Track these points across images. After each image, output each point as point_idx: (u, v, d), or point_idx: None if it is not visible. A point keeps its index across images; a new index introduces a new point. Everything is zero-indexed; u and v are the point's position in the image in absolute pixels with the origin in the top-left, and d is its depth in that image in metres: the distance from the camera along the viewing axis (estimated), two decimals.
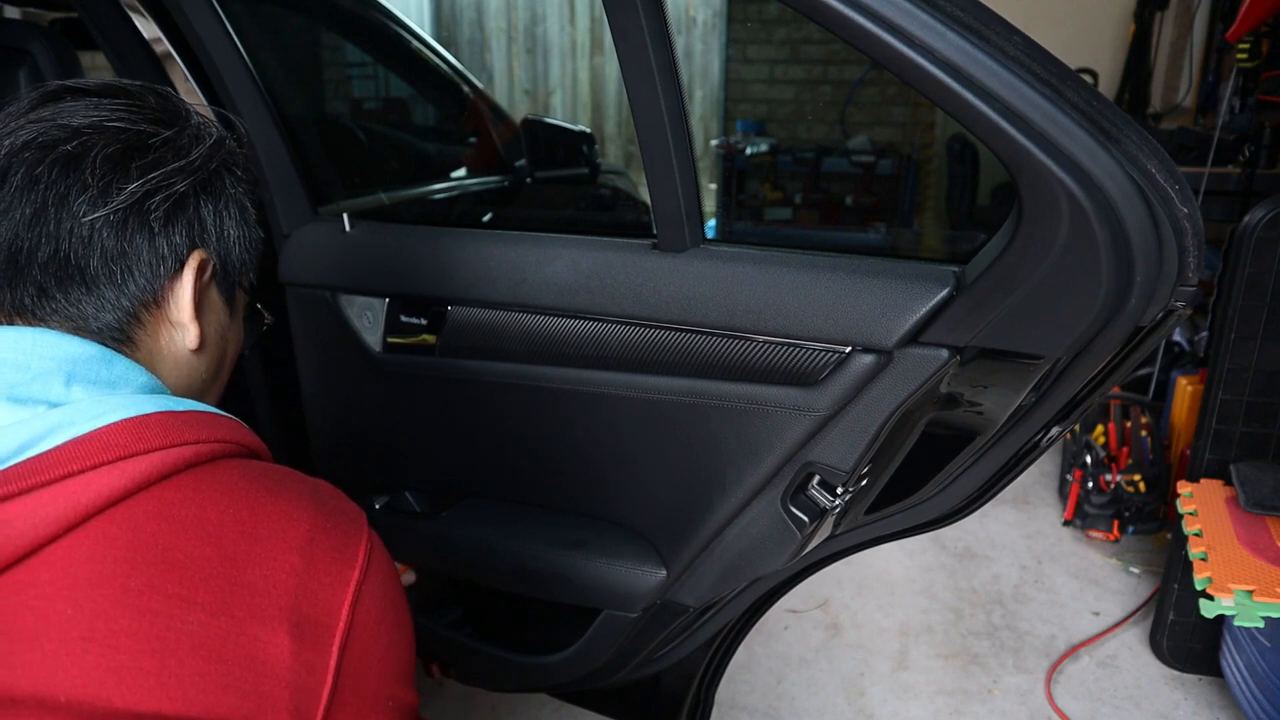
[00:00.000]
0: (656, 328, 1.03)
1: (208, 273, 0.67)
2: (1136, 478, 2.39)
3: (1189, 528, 1.67)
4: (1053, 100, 0.72)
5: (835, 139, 5.02)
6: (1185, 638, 1.92)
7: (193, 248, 0.65)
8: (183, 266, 0.65)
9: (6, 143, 0.60)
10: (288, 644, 0.52)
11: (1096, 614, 2.15)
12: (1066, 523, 2.51)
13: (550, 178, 2.43)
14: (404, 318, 1.21)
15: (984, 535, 2.48)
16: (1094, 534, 2.44)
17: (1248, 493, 1.70)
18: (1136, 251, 0.75)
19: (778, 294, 0.94)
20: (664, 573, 1.14)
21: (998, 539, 2.47)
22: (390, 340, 1.22)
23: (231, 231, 0.69)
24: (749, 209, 4.99)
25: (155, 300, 0.64)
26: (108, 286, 0.61)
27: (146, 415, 0.56)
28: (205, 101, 1.28)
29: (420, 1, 6.12)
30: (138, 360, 0.63)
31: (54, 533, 0.49)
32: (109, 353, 0.60)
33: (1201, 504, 1.73)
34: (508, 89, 6.32)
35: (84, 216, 0.60)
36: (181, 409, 0.59)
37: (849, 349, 0.93)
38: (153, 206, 0.62)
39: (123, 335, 0.63)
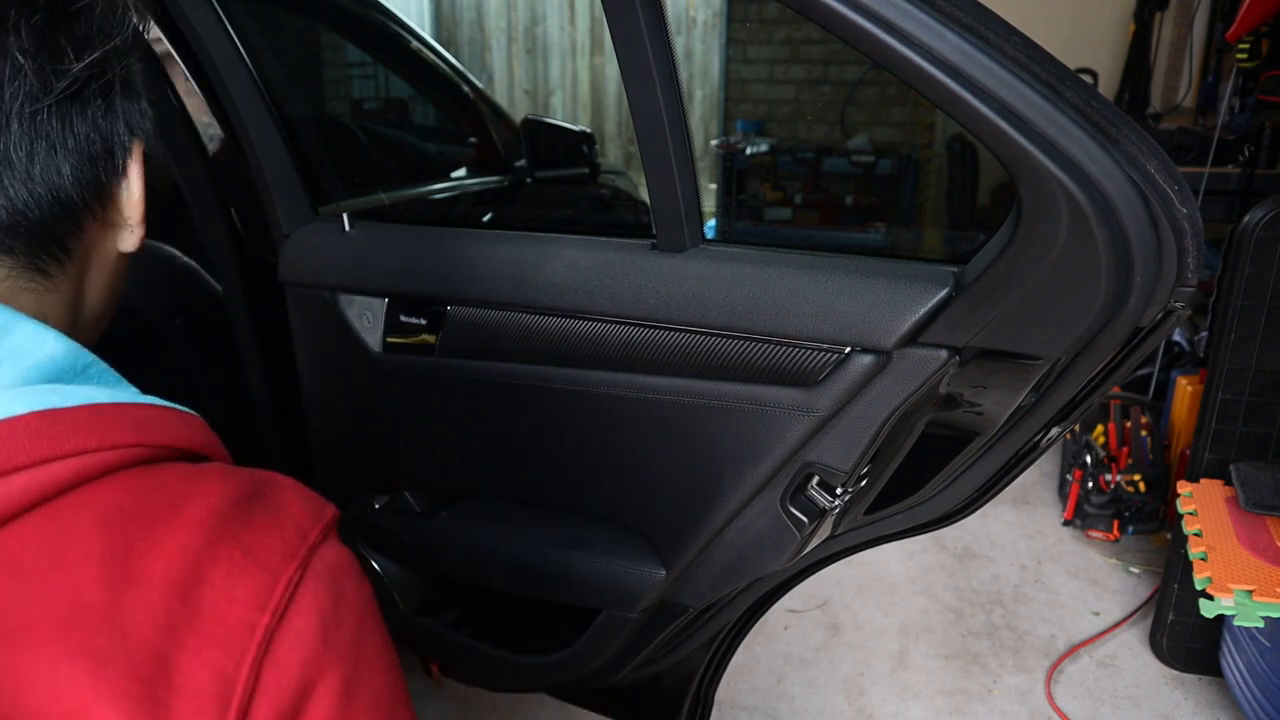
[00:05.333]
0: (656, 328, 1.03)
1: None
2: (1136, 478, 2.39)
3: (1189, 528, 1.67)
4: (1052, 100, 0.72)
5: (835, 139, 5.02)
6: (1185, 638, 1.92)
7: (133, 137, 0.55)
8: (129, 158, 0.55)
9: None
10: None
11: (1096, 614, 2.15)
12: (1066, 523, 2.51)
13: (550, 178, 2.43)
14: (404, 318, 1.21)
15: (984, 535, 2.48)
16: (1094, 534, 2.44)
17: (1248, 493, 1.70)
18: (1136, 252, 0.75)
19: (777, 294, 0.95)
20: (663, 573, 1.14)
21: (998, 539, 2.47)
22: (390, 340, 1.22)
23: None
24: (749, 209, 5.00)
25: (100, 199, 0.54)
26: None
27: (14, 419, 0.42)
28: (205, 102, 1.28)
29: (420, 1, 6.13)
30: (55, 288, 0.52)
31: None
32: (10, 314, 0.47)
33: (1201, 504, 1.73)
34: (508, 89, 6.32)
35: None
36: (71, 403, 0.45)
37: (848, 349, 0.93)
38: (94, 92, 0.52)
39: (58, 246, 0.52)
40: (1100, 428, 2.59)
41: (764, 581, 1.18)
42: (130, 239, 0.57)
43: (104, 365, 0.51)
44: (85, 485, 0.44)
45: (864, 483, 1.04)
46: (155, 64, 1.27)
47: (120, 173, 0.55)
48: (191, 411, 0.52)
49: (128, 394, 0.50)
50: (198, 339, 1.46)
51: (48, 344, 0.47)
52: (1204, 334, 2.64)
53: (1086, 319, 0.81)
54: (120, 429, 0.46)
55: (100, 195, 0.53)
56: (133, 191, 0.56)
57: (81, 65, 0.49)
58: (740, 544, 1.09)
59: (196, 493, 0.46)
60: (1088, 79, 3.38)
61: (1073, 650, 2.01)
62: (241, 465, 0.52)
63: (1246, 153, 2.88)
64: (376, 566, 1.35)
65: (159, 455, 0.48)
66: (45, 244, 0.51)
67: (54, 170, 0.50)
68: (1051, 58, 0.73)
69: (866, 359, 0.92)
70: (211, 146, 1.34)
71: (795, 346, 0.96)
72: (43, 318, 0.49)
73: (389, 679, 0.49)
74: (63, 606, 0.40)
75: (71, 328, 0.54)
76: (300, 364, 1.33)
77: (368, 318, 1.23)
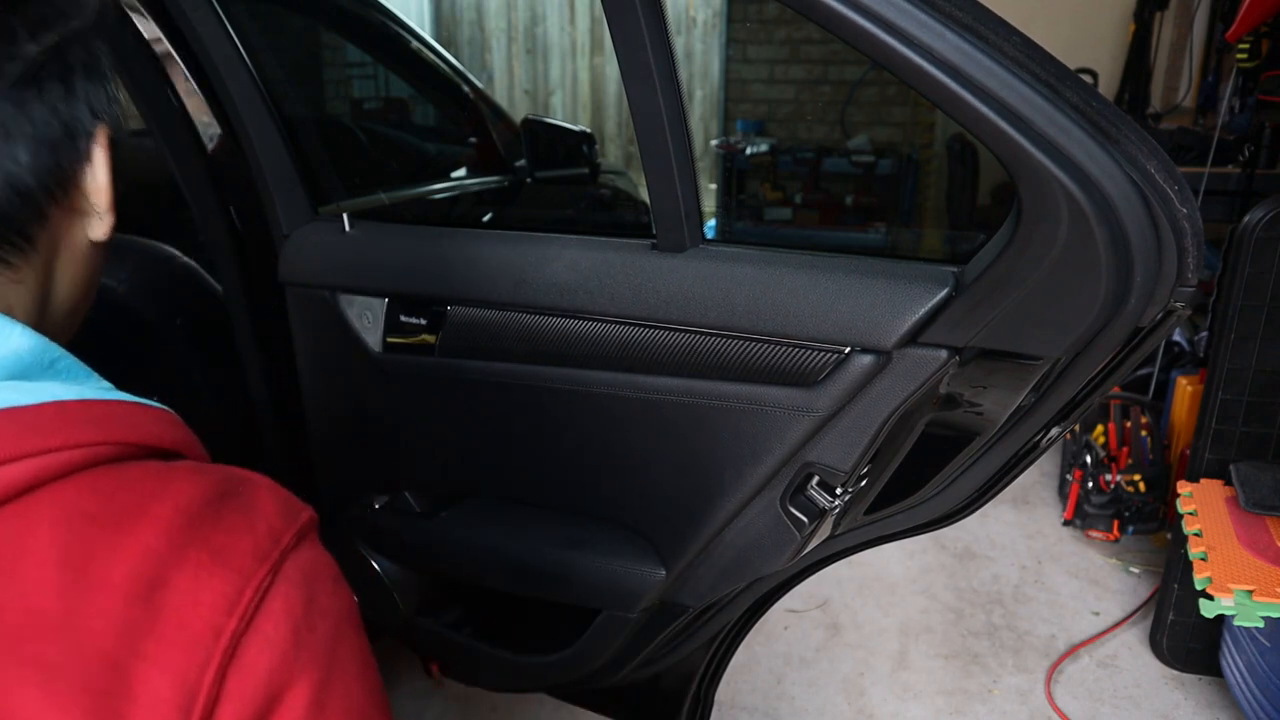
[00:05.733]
0: (656, 328, 1.03)
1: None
2: (1136, 478, 2.39)
3: (1189, 528, 1.67)
4: (1052, 100, 0.72)
5: (835, 139, 5.02)
6: (1185, 638, 1.92)
7: (96, 121, 0.53)
8: (92, 143, 0.53)
9: None
10: None
11: (1096, 614, 2.15)
12: (1066, 523, 2.51)
13: (550, 178, 2.43)
14: (404, 318, 1.21)
15: (984, 535, 2.48)
16: (1094, 534, 2.44)
17: (1248, 493, 1.70)
18: (1136, 252, 0.75)
19: (777, 294, 0.95)
20: (663, 573, 1.14)
21: (998, 539, 2.47)
22: (390, 340, 1.22)
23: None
24: (749, 209, 5.00)
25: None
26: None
27: None
28: (205, 102, 1.28)
29: (420, 1, 6.13)
30: (20, 278, 0.50)
31: None
32: None
33: (1201, 504, 1.73)
34: (508, 89, 6.32)
35: None
36: (33, 401, 0.44)
37: (848, 349, 0.93)
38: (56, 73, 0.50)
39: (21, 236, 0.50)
40: (1100, 428, 2.59)
41: (764, 581, 1.18)
42: (100, 226, 0.55)
43: (73, 359, 0.49)
44: (46, 486, 0.42)
45: (864, 483, 1.04)
46: (155, 64, 1.26)
47: (84, 158, 0.52)
48: (164, 407, 0.51)
49: (96, 389, 0.48)
50: (198, 339, 1.46)
51: (13, 338, 0.46)
52: (1204, 334, 2.64)
53: (1086, 319, 0.81)
54: (84, 426, 0.44)
55: (62, 182, 0.51)
56: (98, 177, 0.54)
57: (38, 49, 0.47)
58: (740, 544, 1.09)
59: (164, 492, 0.44)
60: (1088, 79, 3.39)
61: (1073, 650, 2.01)
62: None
63: (1246, 153, 2.88)
64: (376, 566, 1.35)
65: (127, 453, 0.46)
66: (5, 233, 0.49)
67: (10, 158, 0.48)
68: (1051, 58, 0.73)
69: (866, 359, 0.92)
70: (211, 146, 1.34)
71: (795, 346, 0.96)
72: (8, 310, 0.48)
73: (365, 688, 0.48)
74: (15, 616, 0.38)
75: (40, 320, 0.53)
76: (300, 364, 1.33)
77: (368, 318, 1.23)
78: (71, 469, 0.43)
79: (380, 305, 1.22)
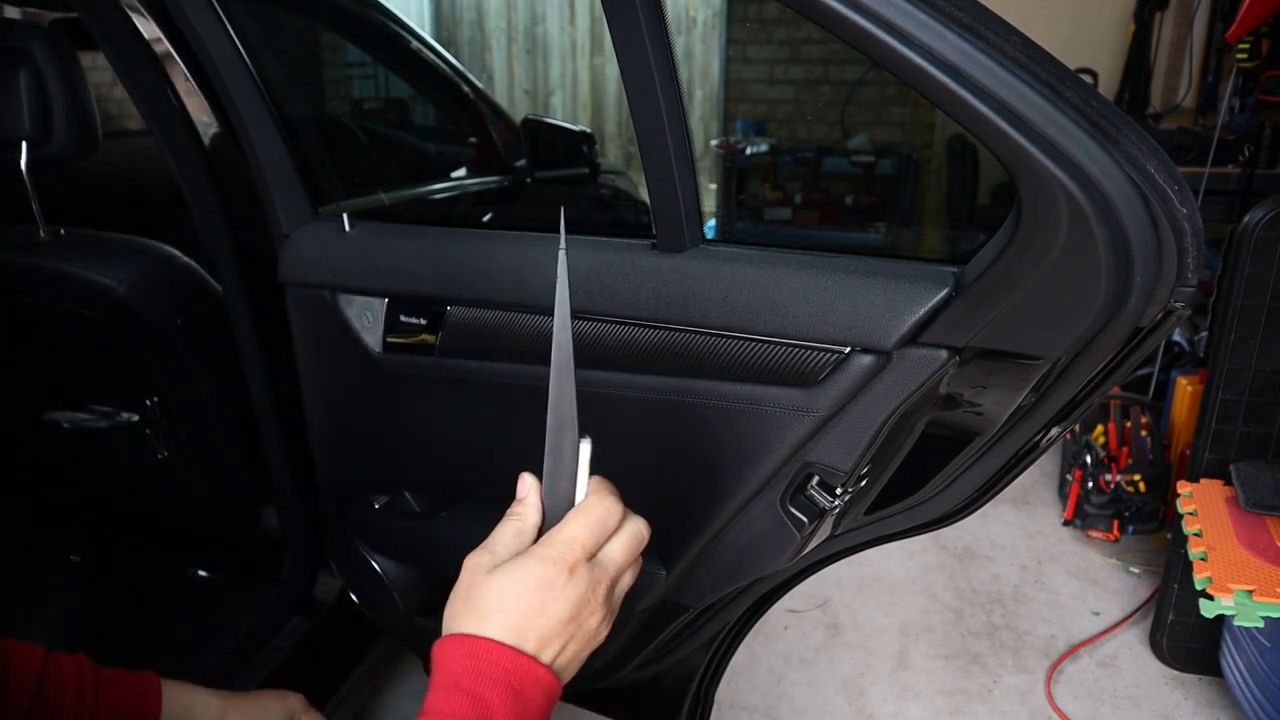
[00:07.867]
0: (655, 328, 1.03)
1: None
2: (1136, 478, 2.39)
3: (1189, 528, 1.67)
4: (1052, 100, 0.72)
5: (835, 139, 5.02)
6: (1185, 638, 1.92)
7: None
8: None
9: None
10: None
11: (1096, 614, 2.15)
12: (1066, 523, 2.51)
13: (550, 178, 2.43)
14: (404, 318, 1.21)
15: (984, 535, 2.48)
16: (1094, 534, 2.44)
17: (1248, 493, 1.70)
18: (1136, 252, 0.75)
19: (777, 294, 0.95)
20: (663, 573, 1.14)
21: (998, 539, 2.47)
22: (390, 340, 1.22)
23: None
24: (749, 209, 5.00)
25: None
26: None
27: None
28: (205, 101, 1.28)
29: (420, 1, 6.13)
30: None
31: None
32: None
33: (1201, 504, 1.74)
34: (508, 89, 6.32)
35: None
36: None
37: (848, 349, 0.93)
38: None
39: None
40: (1100, 428, 2.59)
41: (764, 581, 1.18)
42: None
43: None
44: None
45: (864, 483, 1.04)
46: (155, 64, 1.26)
47: None
48: None
49: None
50: (198, 339, 1.46)
51: None
52: (1204, 334, 2.64)
53: (1086, 319, 0.81)
54: None
55: None
56: None
57: None
58: (740, 544, 1.09)
59: None
60: (1088, 79, 3.39)
61: (1073, 650, 2.01)
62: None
63: (1246, 153, 2.89)
64: (376, 566, 1.35)
65: None
66: None
67: None
68: (1051, 58, 0.73)
69: (866, 359, 0.92)
70: (211, 146, 1.34)
71: (795, 346, 0.96)
72: None
73: None
74: None
75: None
76: (300, 364, 1.33)
77: (368, 318, 1.23)
78: None
79: (380, 305, 1.22)
